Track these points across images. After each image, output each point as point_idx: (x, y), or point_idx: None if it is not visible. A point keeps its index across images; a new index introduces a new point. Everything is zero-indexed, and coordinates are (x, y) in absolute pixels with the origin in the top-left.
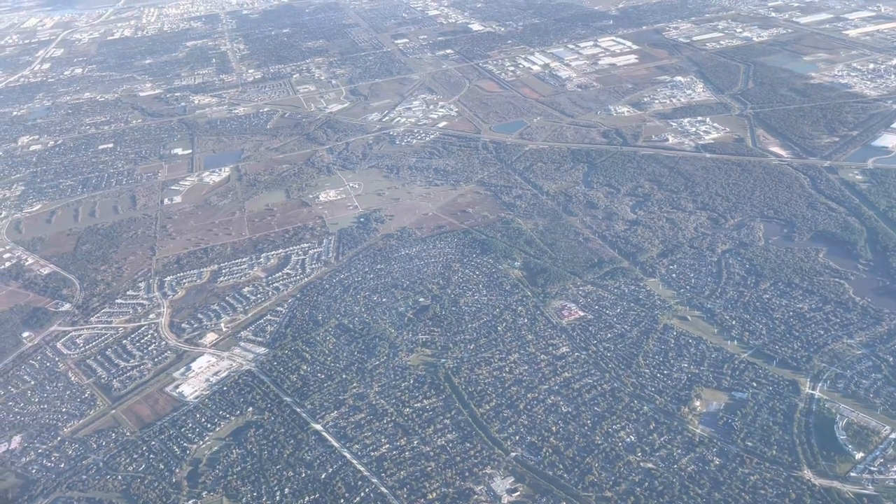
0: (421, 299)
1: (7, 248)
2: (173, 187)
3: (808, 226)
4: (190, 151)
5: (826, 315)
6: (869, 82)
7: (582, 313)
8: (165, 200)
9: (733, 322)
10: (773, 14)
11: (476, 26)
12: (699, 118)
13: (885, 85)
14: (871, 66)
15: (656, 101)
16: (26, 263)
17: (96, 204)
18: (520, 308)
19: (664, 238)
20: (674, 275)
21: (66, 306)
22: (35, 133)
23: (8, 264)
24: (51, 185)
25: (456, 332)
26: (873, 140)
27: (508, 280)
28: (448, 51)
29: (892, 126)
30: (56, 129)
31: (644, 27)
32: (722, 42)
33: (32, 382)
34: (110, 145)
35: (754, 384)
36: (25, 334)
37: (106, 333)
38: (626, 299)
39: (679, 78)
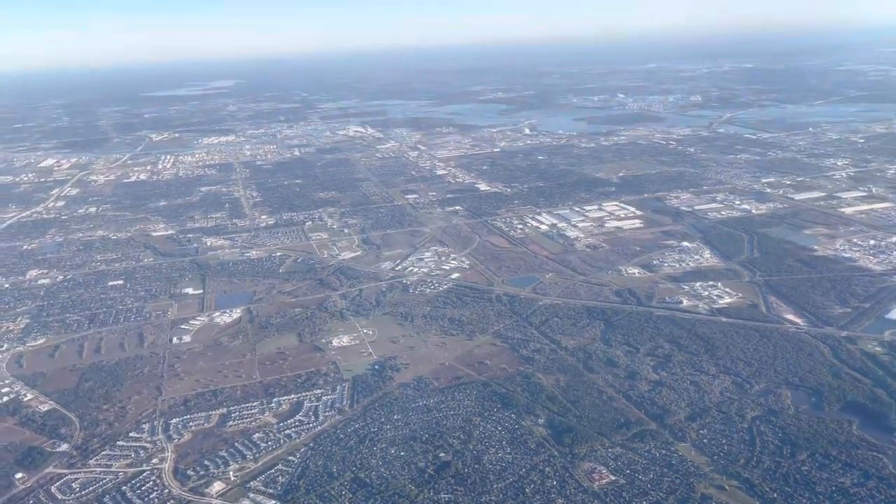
0: (442, 454)
1: (6, 382)
2: (183, 326)
3: (836, 395)
4: (201, 291)
5: (870, 491)
6: (872, 257)
7: (613, 477)
8: (174, 339)
9: (775, 495)
10: (769, 189)
11: (483, 186)
12: (710, 282)
13: (888, 260)
14: (872, 241)
15: (666, 265)
16: (25, 399)
17: (102, 340)
18: (547, 469)
19: (690, 401)
20: (705, 440)
21: (64, 446)
22: (45, 267)
23: (6, 399)
24: (57, 320)
25: (481, 493)
26: (886, 313)
27: (533, 437)
28: (457, 207)
29: None
30: (66, 265)
31: (645, 195)
32: (723, 212)
33: None
34: (120, 282)
35: None
36: (19, 475)
37: (105, 478)
38: (659, 464)
39: (685, 243)
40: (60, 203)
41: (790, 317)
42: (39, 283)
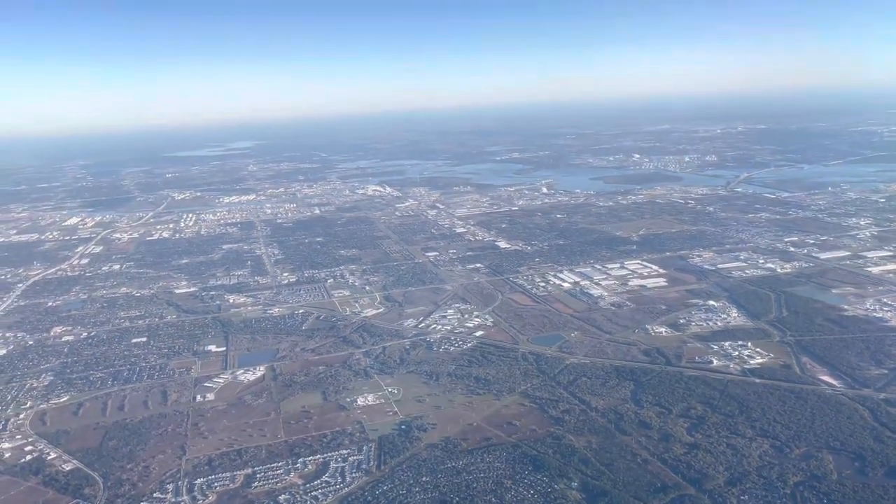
0: None
1: (30, 440)
2: (206, 384)
3: (880, 460)
4: (224, 349)
5: None
6: None
7: None
8: (198, 397)
9: None
10: (792, 249)
11: (503, 244)
12: (740, 342)
13: None
14: None
15: (693, 324)
16: (48, 458)
17: (126, 398)
18: None
19: (728, 465)
20: None
21: None
22: (69, 324)
23: (29, 458)
24: (80, 377)
25: None
26: None
27: (567, 502)
28: (478, 265)
29: None
30: (90, 322)
31: (667, 253)
32: (747, 271)
33: None
34: (144, 339)
35: None
36: None
37: None
38: None
39: (711, 302)
40: (85, 261)
41: (825, 378)
42: (64, 339)
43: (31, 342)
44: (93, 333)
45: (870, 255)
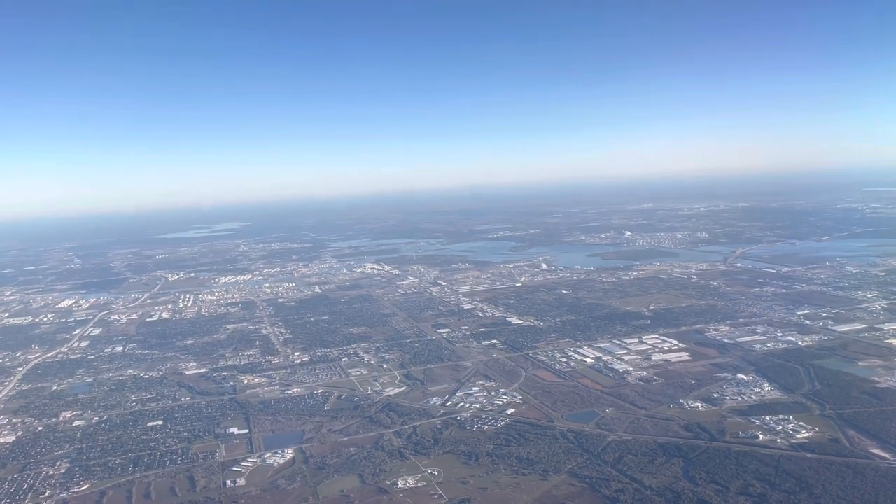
0: None
1: None
2: (234, 468)
3: None
4: (247, 431)
5: None
6: None
7: None
8: (228, 482)
9: None
10: (807, 322)
11: (515, 320)
12: (780, 416)
13: None
14: None
15: (727, 398)
16: None
17: (151, 484)
18: None
19: None
20: None
21: None
22: (77, 409)
23: None
24: (99, 463)
25: None
26: None
27: None
28: (493, 341)
29: None
30: (100, 405)
31: (683, 327)
32: (768, 344)
33: None
34: (160, 422)
35: None
36: None
37: None
38: None
39: (741, 375)
40: (85, 343)
41: (876, 451)
42: (75, 424)
43: (40, 428)
44: (104, 418)
45: (885, 327)
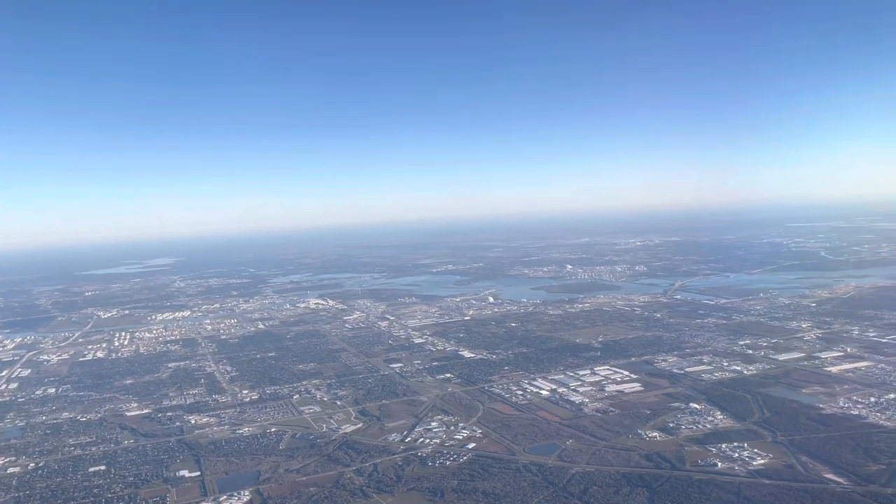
0: None
1: None
2: None
3: None
4: (198, 473)
5: None
6: (879, 413)
7: None
8: None
9: None
10: (750, 351)
11: (467, 353)
12: (735, 444)
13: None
14: (872, 399)
15: (683, 427)
16: None
17: None
18: None
19: None
20: None
21: None
22: (10, 454)
23: None
24: None
25: None
26: None
27: None
28: (448, 375)
29: None
30: (35, 451)
31: (633, 358)
32: (716, 374)
33: None
34: (102, 467)
35: None
36: None
37: None
38: None
39: (693, 405)
40: (13, 385)
41: (830, 476)
42: (9, 471)
43: None
44: (41, 464)
45: (822, 355)
